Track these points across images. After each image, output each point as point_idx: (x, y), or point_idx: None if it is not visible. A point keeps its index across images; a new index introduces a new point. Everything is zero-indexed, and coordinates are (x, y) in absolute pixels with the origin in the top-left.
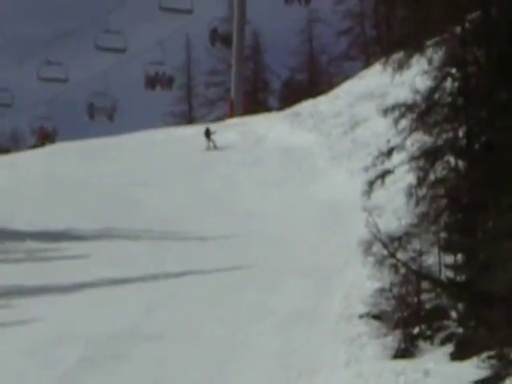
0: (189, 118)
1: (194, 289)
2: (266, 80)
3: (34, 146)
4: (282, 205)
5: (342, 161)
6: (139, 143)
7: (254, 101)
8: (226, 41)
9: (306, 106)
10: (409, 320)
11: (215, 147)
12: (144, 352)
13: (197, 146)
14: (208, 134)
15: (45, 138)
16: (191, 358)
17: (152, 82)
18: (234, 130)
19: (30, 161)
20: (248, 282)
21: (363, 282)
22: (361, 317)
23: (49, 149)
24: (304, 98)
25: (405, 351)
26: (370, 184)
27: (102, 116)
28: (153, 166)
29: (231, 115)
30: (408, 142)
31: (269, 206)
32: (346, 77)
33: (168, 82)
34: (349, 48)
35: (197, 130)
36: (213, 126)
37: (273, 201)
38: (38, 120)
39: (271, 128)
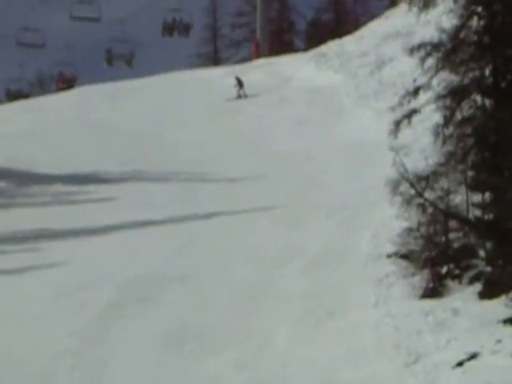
0: (214, 60)
1: (222, 230)
2: (292, 20)
3: (58, 91)
4: (308, 145)
5: (369, 101)
6: (165, 85)
7: (279, 42)
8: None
9: (331, 47)
10: (437, 259)
11: (246, 96)
12: (172, 294)
13: (223, 88)
14: (240, 83)
15: (64, 83)
16: (219, 299)
17: (169, 28)
18: (260, 71)
19: (55, 104)
20: (276, 223)
21: (391, 221)
22: (389, 256)
23: (73, 92)
24: (330, 39)
25: (433, 290)
26: (397, 124)
27: (120, 62)
28: (179, 108)
29: (257, 56)
30: (434, 81)
31: (296, 147)
32: (372, 16)
33: (185, 30)
34: None
35: (223, 71)
36: (238, 68)
37: (300, 141)
38: (57, 65)
39: (297, 69)
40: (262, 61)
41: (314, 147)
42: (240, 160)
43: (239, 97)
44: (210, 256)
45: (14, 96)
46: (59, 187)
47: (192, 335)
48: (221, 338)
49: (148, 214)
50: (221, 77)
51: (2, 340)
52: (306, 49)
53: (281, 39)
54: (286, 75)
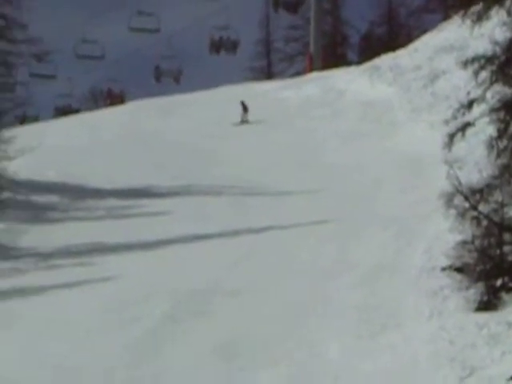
0: (268, 74)
1: (274, 244)
2: (345, 34)
3: (107, 106)
4: (362, 158)
5: (422, 114)
6: (218, 98)
7: (332, 55)
8: (289, 6)
9: (385, 60)
10: (491, 272)
11: (247, 122)
12: (225, 308)
13: (276, 101)
14: (245, 108)
15: (112, 99)
16: (272, 312)
17: (217, 46)
18: (313, 85)
19: (107, 119)
20: (328, 236)
21: (445, 234)
22: (443, 269)
23: (126, 106)
24: (383, 52)
25: (487, 303)
26: (451, 136)
27: (168, 78)
28: (231, 121)
29: (310, 70)
30: (488, 94)
31: (349, 160)
32: (425, 30)
33: (232, 47)
34: (428, 0)
35: (276, 84)
36: (291, 81)
37: (353, 154)
38: (107, 81)
39: (350, 82)
40: (315, 74)
41: (366, 160)
42: (292, 173)
43: (242, 122)
44: (262, 270)
45: (62, 111)
46: (113, 201)
47: (245, 348)
48: (273, 351)
49: (200, 227)
50: (274, 90)
51: (56, 354)
52: (360, 62)
53: (334, 52)
54: (339, 88)
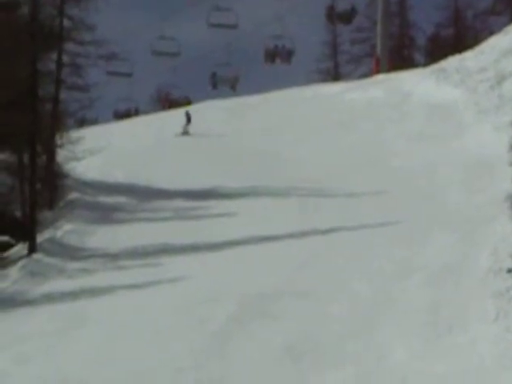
0: (334, 75)
1: (341, 246)
2: (412, 36)
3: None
4: (428, 160)
5: (489, 116)
6: (285, 100)
7: (399, 57)
8: (343, 18)
9: (451, 62)
10: None
11: (188, 133)
12: (292, 309)
13: (344, 103)
14: (189, 118)
15: (168, 103)
16: (338, 314)
17: (272, 55)
18: (379, 87)
19: (173, 120)
20: (395, 238)
21: (511, 236)
22: (509, 271)
23: (192, 108)
24: (450, 54)
25: None
26: None
27: (225, 86)
28: (299, 123)
29: (377, 72)
30: None
31: (415, 162)
32: (492, 32)
33: (287, 56)
34: (495, 3)
35: (342, 86)
36: (358, 83)
37: (419, 156)
38: (165, 86)
39: (417, 84)
40: (381, 76)
41: (433, 162)
42: (359, 175)
43: (184, 134)
44: (329, 271)
45: (121, 115)
46: (180, 202)
47: (311, 350)
48: (339, 353)
49: (268, 229)
50: (341, 92)
51: (123, 355)
52: (426, 64)
53: (401, 54)
54: (406, 91)
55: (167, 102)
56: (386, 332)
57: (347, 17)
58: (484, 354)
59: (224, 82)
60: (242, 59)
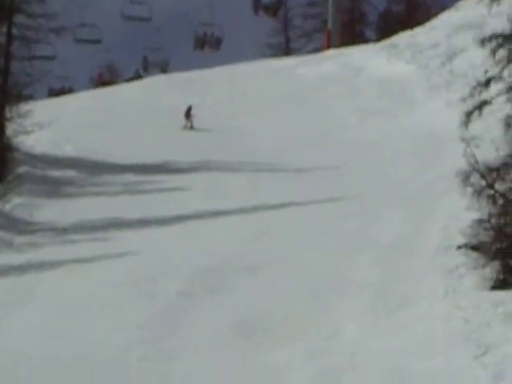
0: (286, 50)
1: (292, 221)
2: (364, 11)
3: (131, 79)
4: (379, 135)
5: (440, 92)
6: (238, 75)
7: (350, 32)
8: (269, 10)
9: (403, 38)
10: (507, 251)
11: (192, 127)
12: (242, 284)
13: (295, 78)
14: (188, 113)
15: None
16: (289, 290)
17: (201, 42)
18: (331, 62)
19: (126, 93)
20: (346, 213)
21: (461, 212)
22: (459, 248)
23: (143, 82)
24: (401, 30)
25: (503, 282)
26: (468, 115)
27: (155, 69)
28: (250, 98)
29: (328, 47)
30: (506, 73)
31: (366, 137)
32: (443, 8)
33: (216, 43)
34: None
35: (293, 61)
36: (309, 58)
37: (370, 132)
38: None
39: (368, 59)
40: (333, 51)
41: (384, 138)
42: (310, 150)
43: (185, 128)
44: (279, 247)
45: (56, 93)
46: (130, 177)
47: (261, 326)
48: (290, 329)
49: (218, 203)
50: (292, 67)
51: (70, 330)
52: (377, 40)
53: (352, 30)
54: (357, 66)
55: (100, 82)
56: (336, 308)
57: (273, 9)
58: (434, 330)
59: (155, 66)
60: (172, 44)
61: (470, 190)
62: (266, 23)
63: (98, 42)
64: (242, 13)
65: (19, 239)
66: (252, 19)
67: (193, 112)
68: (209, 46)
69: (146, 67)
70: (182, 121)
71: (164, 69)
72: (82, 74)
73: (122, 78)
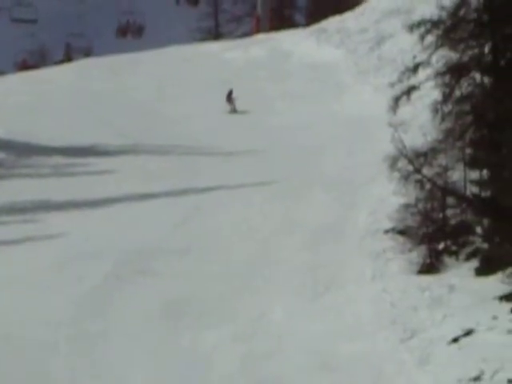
0: (216, 34)
1: (220, 204)
2: None
3: (61, 62)
4: (308, 120)
5: (368, 77)
6: (166, 59)
7: (280, 17)
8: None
9: (332, 23)
10: (434, 235)
11: (235, 111)
12: (171, 267)
13: (224, 62)
14: (230, 96)
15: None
16: (218, 272)
17: (123, 30)
18: (260, 46)
19: (55, 76)
20: (274, 197)
21: (389, 197)
22: (386, 232)
23: (74, 64)
24: (330, 15)
25: (430, 266)
26: (396, 100)
27: (79, 55)
28: (180, 82)
29: (258, 31)
30: (434, 58)
31: (295, 121)
32: None
33: (138, 31)
34: None
35: (223, 45)
36: (239, 42)
37: (299, 116)
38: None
39: (298, 44)
40: (262, 36)
41: (313, 122)
42: (238, 134)
43: (231, 111)
44: (208, 230)
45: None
46: (59, 159)
47: (190, 308)
48: (218, 312)
49: (147, 186)
50: (221, 51)
51: (0, 309)
52: (307, 24)
53: (281, 14)
54: (286, 50)
55: (23, 67)
56: (264, 291)
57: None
58: (361, 313)
59: (78, 52)
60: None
61: (397, 174)
62: (189, 12)
63: (34, 21)
64: (164, 2)
65: None
66: (174, 8)
67: (234, 95)
68: (131, 34)
69: (69, 53)
70: (226, 106)
71: (87, 55)
72: (12, 56)
73: (52, 60)
